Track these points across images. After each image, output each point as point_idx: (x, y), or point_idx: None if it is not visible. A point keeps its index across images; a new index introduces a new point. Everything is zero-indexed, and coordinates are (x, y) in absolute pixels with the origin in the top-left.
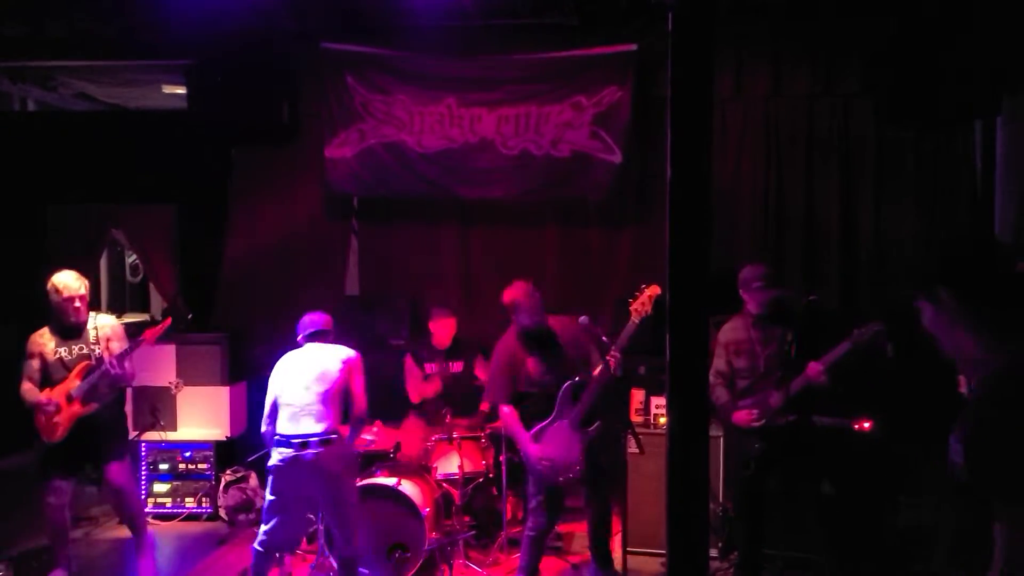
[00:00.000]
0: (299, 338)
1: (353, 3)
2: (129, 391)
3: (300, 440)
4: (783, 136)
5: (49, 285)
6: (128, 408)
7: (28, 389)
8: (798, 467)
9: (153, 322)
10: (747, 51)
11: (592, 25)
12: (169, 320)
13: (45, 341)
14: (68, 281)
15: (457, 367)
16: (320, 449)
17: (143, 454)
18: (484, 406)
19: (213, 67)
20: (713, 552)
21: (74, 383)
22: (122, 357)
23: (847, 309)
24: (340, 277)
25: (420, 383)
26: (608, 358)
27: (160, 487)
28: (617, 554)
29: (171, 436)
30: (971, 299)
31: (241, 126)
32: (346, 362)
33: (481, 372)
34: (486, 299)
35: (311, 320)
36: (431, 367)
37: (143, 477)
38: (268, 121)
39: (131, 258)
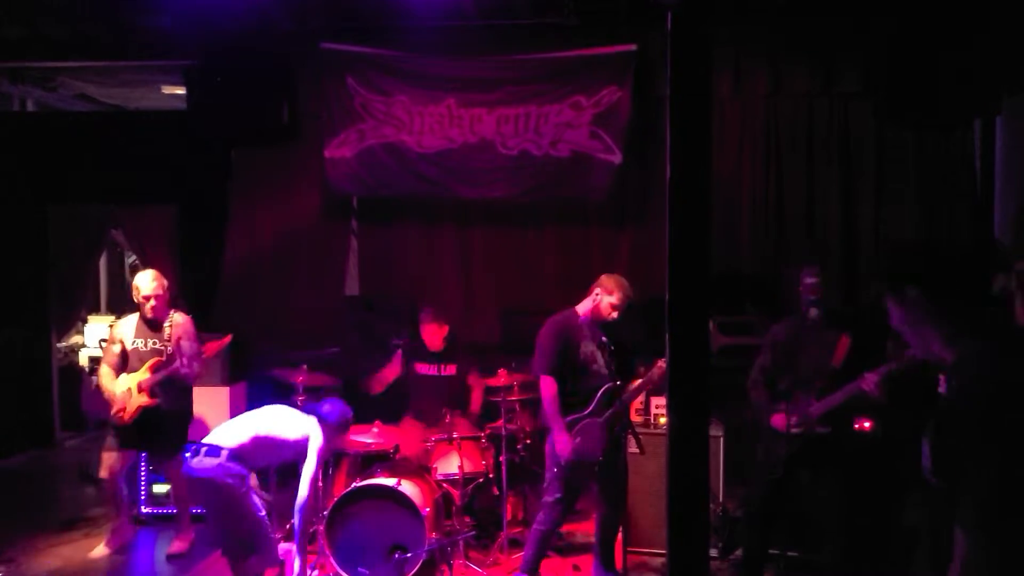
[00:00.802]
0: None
1: (352, 4)
2: None
3: (193, 448)
4: (783, 136)
5: (132, 283)
6: None
7: (105, 374)
8: (824, 473)
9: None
10: (746, 50)
11: (591, 25)
12: (230, 337)
13: (127, 331)
14: (143, 281)
15: (450, 370)
16: (201, 457)
17: (143, 456)
18: (475, 407)
19: (213, 68)
20: (713, 552)
21: (144, 376)
22: (193, 358)
23: (849, 310)
24: (340, 277)
25: (385, 372)
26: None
27: (160, 488)
28: (618, 554)
29: None
30: (938, 296)
31: (241, 127)
32: (308, 435)
33: (474, 382)
34: (485, 299)
35: (329, 401)
36: (423, 368)
37: (143, 478)
38: (268, 122)
39: (131, 258)
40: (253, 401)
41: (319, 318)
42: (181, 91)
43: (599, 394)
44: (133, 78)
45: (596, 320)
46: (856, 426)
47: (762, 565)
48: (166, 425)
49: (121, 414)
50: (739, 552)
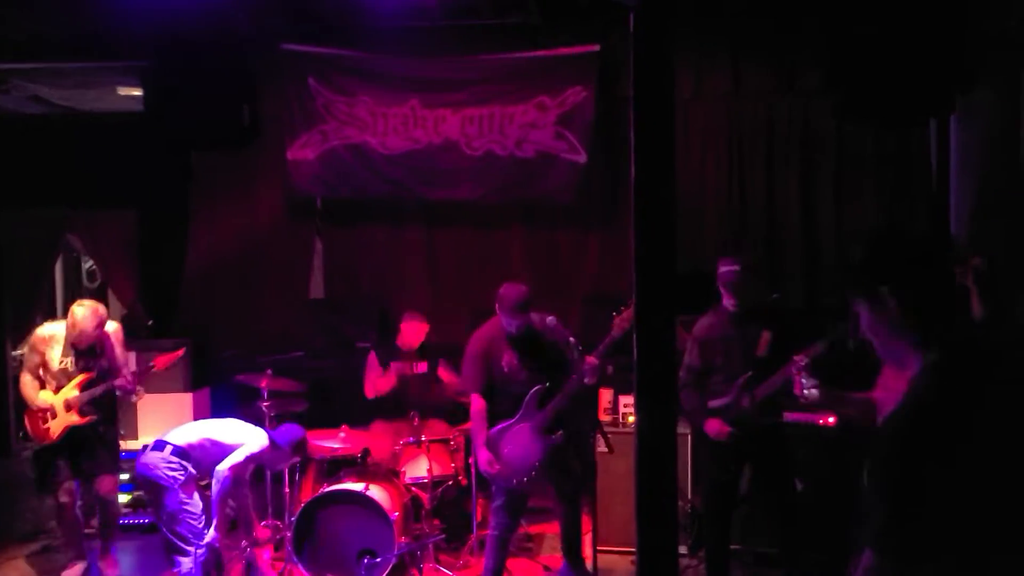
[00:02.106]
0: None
1: (313, 4)
2: None
3: (145, 445)
4: (745, 135)
5: (70, 311)
6: None
7: (29, 383)
8: (770, 467)
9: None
10: (708, 51)
11: (555, 26)
12: (182, 351)
13: (52, 345)
14: (78, 319)
15: (421, 367)
16: (148, 452)
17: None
18: (449, 393)
19: (170, 69)
20: (682, 549)
21: (72, 393)
22: (137, 376)
23: (811, 306)
24: (305, 280)
25: (377, 379)
26: (586, 365)
27: (120, 497)
28: (588, 553)
29: (132, 445)
30: (912, 299)
31: (200, 129)
32: (242, 447)
33: (445, 375)
34: (453, 301)
35: (286, 425)
36: (395, 366)
37: None
38: (228, 124)
39: (88, 263)
40: (217, 407)
41: (284, 322)
42: (137, 92)
43: (527, 399)
44: (87, 79)
45: (516, 332)
46: (820, 421)
47: (725, 561)
48: (97, 443)
49: (44, 434)
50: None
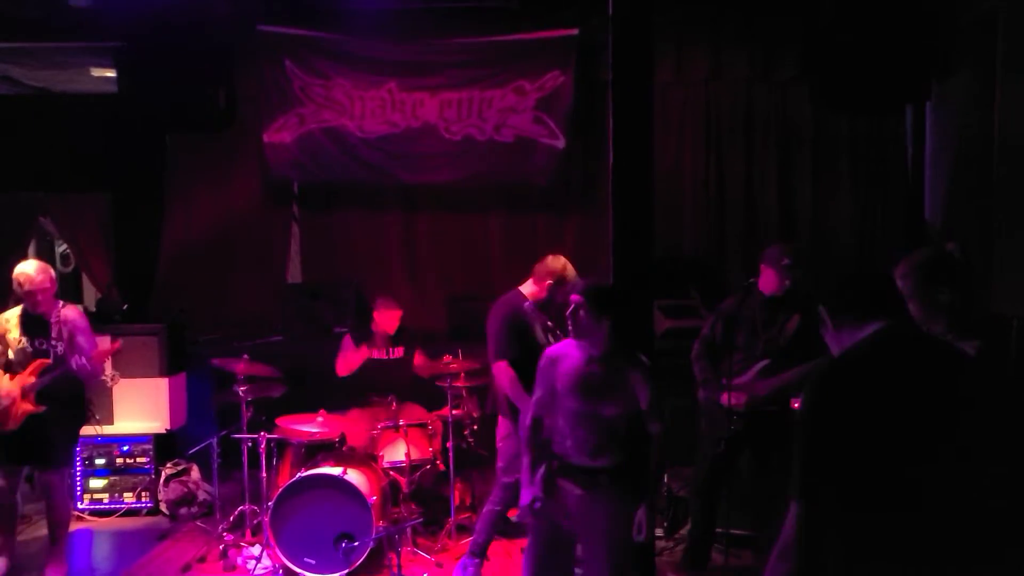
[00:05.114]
0: None
1: None
2: None
3: None
4: (722, 120)
5: (13, 275)
6: None
7: None
8: (770, 452)
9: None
10: (686, 36)
11: (533, 9)
12: (119, 344)
13: (10, 327)
14: (30, 274)
15: (398, 352)
16: None
17: (78, 449)
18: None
19: (145, 50)
20: (659, 531)
21: (29, 380)
22: (92, 354)
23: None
24: (282, 264)
25: (348, 355)
26: None
27: (96, 482)
28: None
29: (107, 430)
30: (833, 309)
31: (175, 111)
32: None
33: (420, 361)
34: (431, 284)
35: None
36: (372, 352)
37: (78, 473)
38: (203, 106)
39: (61, 247)
40: (193, 392)
41: (261, 306)
42: (111, 73)
43: None
44: (60, 60)
45: (539, 302)
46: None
47: (708, 542)
48: (53, 433)
49: (3, 421)
50: (684, 531)
